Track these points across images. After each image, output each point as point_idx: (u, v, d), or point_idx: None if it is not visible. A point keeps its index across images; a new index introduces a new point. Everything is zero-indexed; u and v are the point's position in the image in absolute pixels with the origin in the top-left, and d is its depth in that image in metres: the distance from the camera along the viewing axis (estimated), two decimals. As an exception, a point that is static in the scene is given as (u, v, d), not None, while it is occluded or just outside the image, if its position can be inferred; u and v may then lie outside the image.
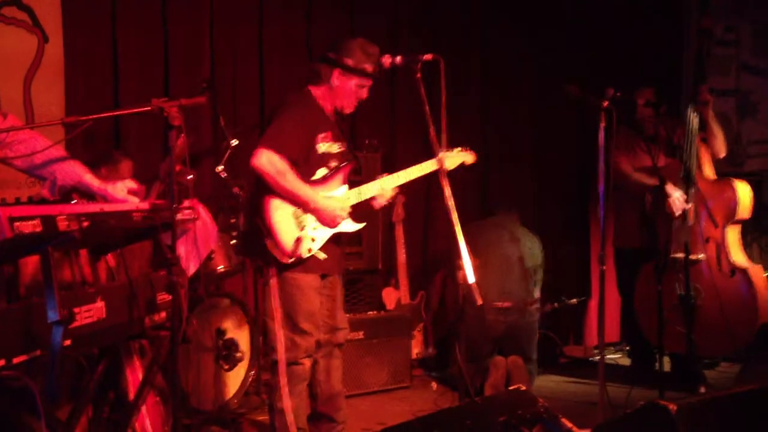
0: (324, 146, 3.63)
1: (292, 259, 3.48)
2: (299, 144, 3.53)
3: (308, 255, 3.53)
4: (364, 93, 3.68)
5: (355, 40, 3.65)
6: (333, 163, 3.66)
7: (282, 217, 3.50)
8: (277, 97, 5.69)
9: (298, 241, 3.48)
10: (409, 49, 5.67)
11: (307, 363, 3.60)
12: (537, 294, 5.18)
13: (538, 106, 6.33)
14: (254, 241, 3.56)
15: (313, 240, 3.54)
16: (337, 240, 3.68)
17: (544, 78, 6.24)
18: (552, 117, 6.29)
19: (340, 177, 3.67)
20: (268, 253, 3.49)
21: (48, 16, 5.03)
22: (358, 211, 3.70)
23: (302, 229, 3.52)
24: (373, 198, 3.74)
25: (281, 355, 3.51)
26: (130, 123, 5.20)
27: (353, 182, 3.77)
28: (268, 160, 3.43)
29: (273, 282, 3.53)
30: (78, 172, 2.94)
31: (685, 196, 4.70)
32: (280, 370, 3.51)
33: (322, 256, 3.56)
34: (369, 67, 3.57)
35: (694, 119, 4.78)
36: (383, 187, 3.70)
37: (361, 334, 4.96)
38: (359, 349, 4.94)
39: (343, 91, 3.63)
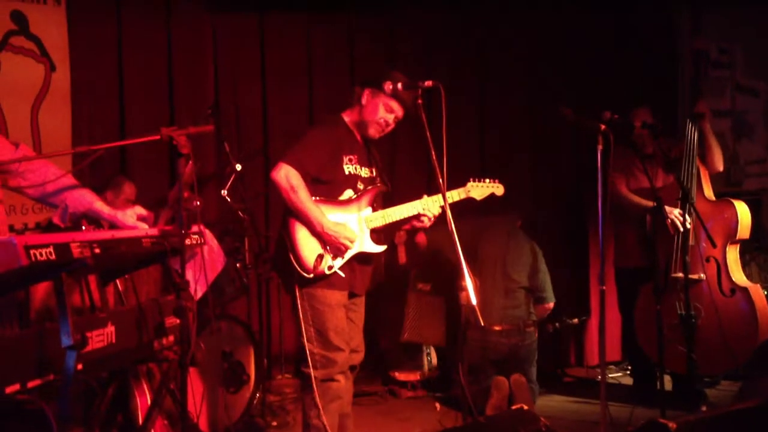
0: (350, 168, 3.70)
1: (312, 275, 3.54)
2: (320, 162, 3.60)
3: (329, 272, 3.58)
4: (390, 120, 3.73)
5: (389, 80, 3.64)
6: (361, 186, 3.73)
7: (306, 233, 3.56)
8: (279, 121, 5.82)
9: (320, 257, 3.55)
10: (407, 69, 5.76)
11: (342, 380, 3.63)
12: (551, 299, 5.26)
13: (534, 128, 6.39)
14: (280, 254, 3.65)
15: (334, 257, 3.60)
16: (365, 260, 3.73)
17: (540, 102, 6.30)
18: (549, 139, 6.35)
19: (366, 199, 3.72)
20: (292, 268, 3.55)
21: (55, 46, 5.14)
22: (387, 233, 3.77)
23: (325, 246, 3.57)
24: (414, 218, 3.74)
25: (319, 372, 3.55)
26: (135, 150, 5.28)
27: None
28: (285, 174, 3.51)
29: (301, 302, 3.58)
30: (88, 200, 3.01)
31: (683, 215, 4.75)
32: (319, 387, 3.55)
33: (342, 274, 3.61)
34: (398, 86, 3.61)
35: (693, 133, 4.85)
36: (423, 210, 3.70)
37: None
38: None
39: (370, 109, 3.70)
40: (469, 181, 3.86)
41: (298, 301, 3.59)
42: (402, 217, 3.74)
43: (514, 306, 5.09)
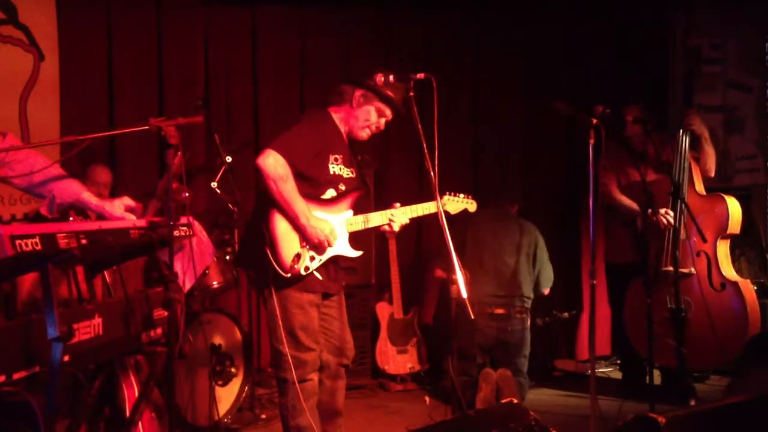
0: (335, 168, 3.62)
1: (289, 275, 3.46)
2: (308, 156, 3.51)
3: (305, 273, 3.50)
4: (381, 124, 3.69)
5: (386, 71, 3.60)
6: (342, 187, 3.65)
7: (286, 228, 3.47)
8: (270, 115, 5.79)
9: (297, 257, 3.47)
10: (401, 67, 5.74)
11: (315, 378, 3.60)
12: (546, 287, 5.31)
13: (527, 123, 6.40)
14: (254, 248, 3.52)
15: (312, 259, 3.52)
16: (340, 263, 3.66)
17: (533, 96, 6.30)
18: (542, 134, 6.35)
19: (347, 201, 3.65)
20: (267, 263, 3.44)
21: (44, 36, 5.11)
22: (361, 237, 3.69)
23: (303, 245, 3.50)
24: (380, 225, 3.71)
25: (292, 374, 3.49)
26: (124, 140, 5.25)
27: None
28: (274, 162, 3.39)
29: (274, 302, 3.50)
30: (76, 190, 2.99)
31: (671, 212, 4.76)
32: (293, 389, 3.50)
33: (319, 276, 3.55)
34: (392, 94, 3.58)
35: (684, 141, 4.86)
36: (391, 218, 3.68)
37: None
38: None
39: (361, 113, 3.64)
40: (445, 195, 3.84)
41: (269, 300, 3.51)
42: (381, 223, 3.70)
43: (504, 291, 5.11)
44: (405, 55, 6.04)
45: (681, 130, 4.88)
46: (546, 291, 5.33)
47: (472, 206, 3.92)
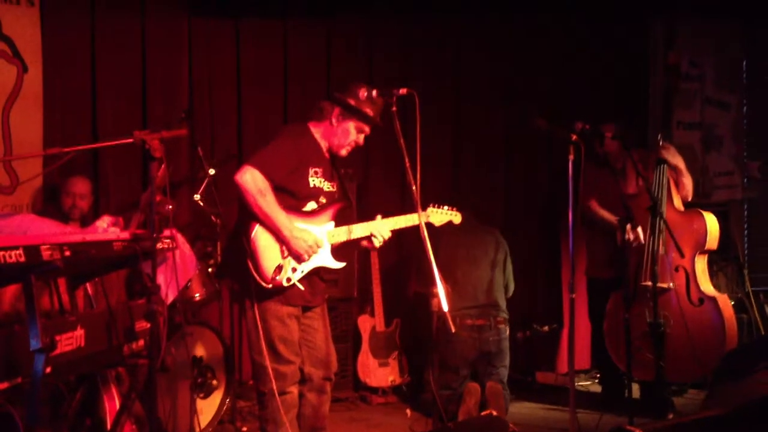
0: (315, 181, 3.65)
1: (270, 286, 3.48)
2: (286, 170, 3.54)
3: (287, 285, 3.52)
4: (360, 139, 3.73)
5: (364, 86, 3.63)
6: (323, 200, 3.68)
7: (267, 241, 3.49)
8: (254, 127, 5.80)
9: (279, 268, 3.48)
10: (383, 77, 5.79)
11: (295, 390, 3.61)
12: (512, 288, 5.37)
13: (508, 138, 6.44)
14: (235, 260, 3.54)
15: (294, 270, 3.53)
16: (322, 275, 3.69)
17: (514, 112, 6.35)
18: (523, 148, 6.40)
19: (329, 213, 3.68)
20: (248, 275, 3.46)
21: (28, 47, 5.09)
22: (343, 250, 3.70)
23: (285, 257, 3.51)
24: (364, 238, 3.73)
25: (273, 386, 3.49)
26: (108, 152, 5.24)
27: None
28: (252, 177, 3.43)
29: (253, 314, 3.51)
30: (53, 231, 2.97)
31: (641, 233, 4.83)
32: (273, 401, 3.50)
33: (301, 287, 3.56)
34: (369, 112, 3.63)
35: (662, 169, 4.94)
36: (375, 229, 3.70)
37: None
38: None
39: (341, 131, 3.68)
40: (429, 207, 3.87)
41: (249, 313, 3.52)
42: (364, 235, 3.72)
43: (483, 302, 5.13)
44: (386, 64, 6.07)
45: (659, 160, 4.96)
46: (509, 295, 5.39)
47: (456, 218, 3.95)
